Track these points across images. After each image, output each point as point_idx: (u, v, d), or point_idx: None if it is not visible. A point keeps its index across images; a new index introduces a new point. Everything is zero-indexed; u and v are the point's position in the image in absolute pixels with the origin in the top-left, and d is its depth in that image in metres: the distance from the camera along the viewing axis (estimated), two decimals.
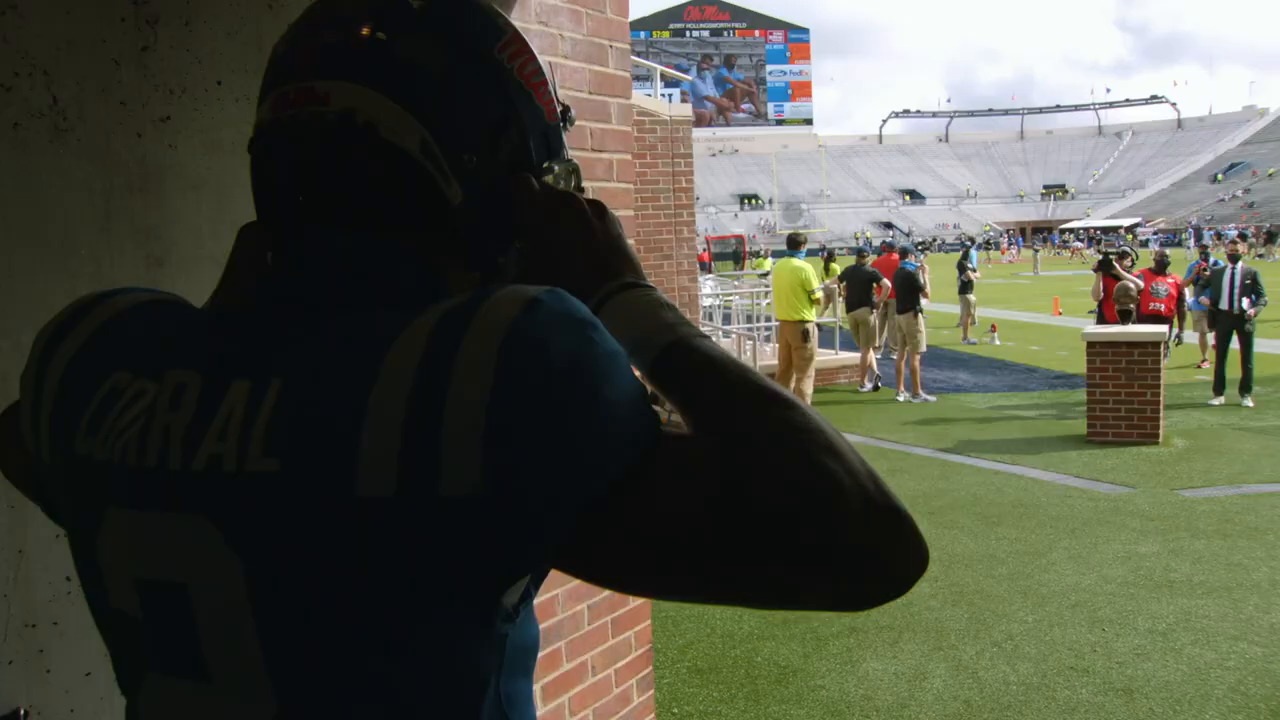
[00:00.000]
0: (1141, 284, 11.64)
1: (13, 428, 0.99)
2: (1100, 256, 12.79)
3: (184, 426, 0.78)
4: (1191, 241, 58.98)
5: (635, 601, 3.43)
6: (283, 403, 0.75)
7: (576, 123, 3.13)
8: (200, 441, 0.77)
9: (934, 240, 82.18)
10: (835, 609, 0.72)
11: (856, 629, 5.41)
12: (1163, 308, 12.02)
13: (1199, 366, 14.10)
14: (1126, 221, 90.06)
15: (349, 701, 0.75)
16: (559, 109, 0.96)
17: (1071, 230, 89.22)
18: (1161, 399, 9.93)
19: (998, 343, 18.64)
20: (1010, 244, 70.82)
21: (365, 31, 0.85)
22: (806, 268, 11.29)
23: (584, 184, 1.01)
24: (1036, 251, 53.59)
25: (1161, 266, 12.53)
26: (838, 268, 18.33)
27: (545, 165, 0.93)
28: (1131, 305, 10.79)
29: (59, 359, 0.88)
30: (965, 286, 19.37)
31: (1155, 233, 74.77)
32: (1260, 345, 12.58)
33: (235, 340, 0.81)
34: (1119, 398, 9.86)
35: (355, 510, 0.71)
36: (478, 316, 0.72)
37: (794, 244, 11.67)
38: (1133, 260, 12.94)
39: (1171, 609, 5.55)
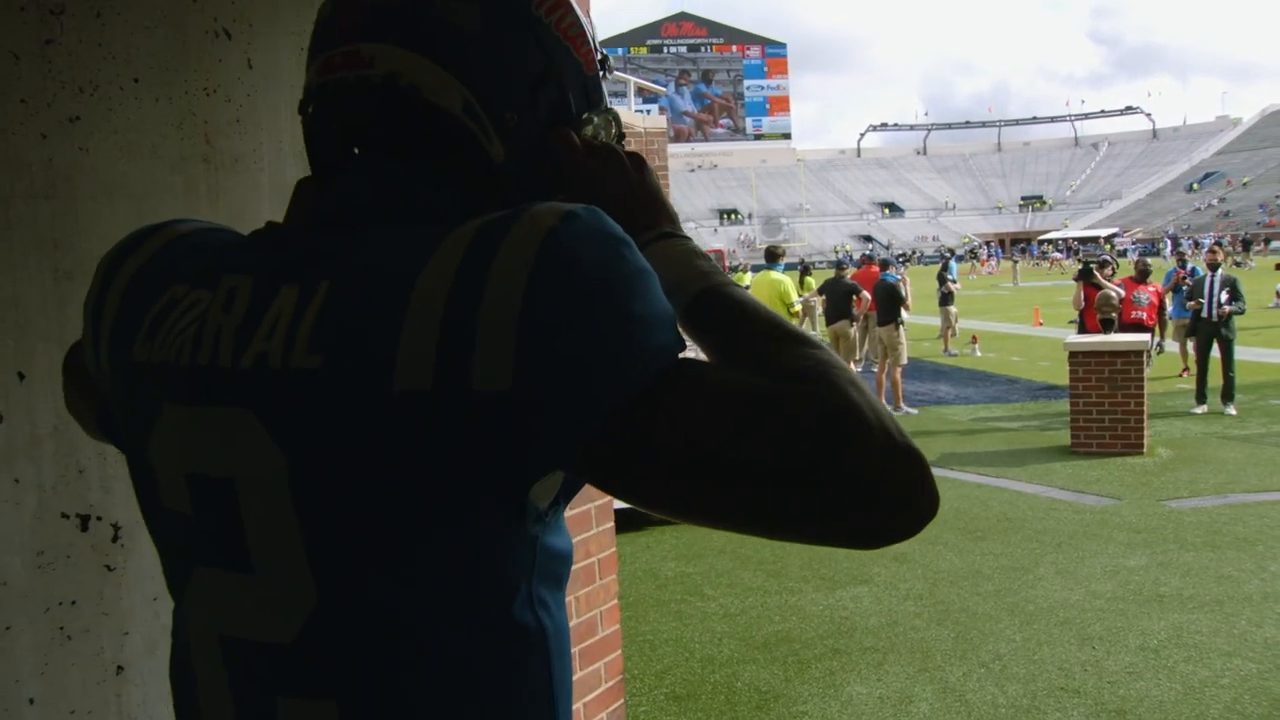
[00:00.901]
0: (1123, 293, 11.56)
1: (75, 361, 1.06)
2: (1081, 265, 12.70)
3: (235, 327, 0.81)
4: (1169, 250, 59.39)
5: (605, 631, 3.26)
6: (329, 304, 0.78)
7: None
8: (249, 340, 0.80)
9: (914, 253, 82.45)
10: (849, 544, 0.75)
11: (840, 650, 5.24)
12: (1145, 316, 11.93)
13: (1180, 376, 14.01)
14: (1104, 232, 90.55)
15: (385, 593, 0.78)
16: (598, 58, 0.98)
17: (1050, 241, 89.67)
18: (1145, 408, 9.83)
19: (979, 354, 18.56)
20: (989, 255, 70.96)
21: None
22: (786, 280, 11.16)
23: (623, 131, 1.03)
24: (1015, 262, 53.75)
25: (1143, 275, 12.46)
26: (813, 282, 18.25)
27: (585, 116, 0.96)
28: (1114, 314, 10.70)
29: (121, 276, 0.93)
30: (946, 298, 19.30)
31: (1134, 243, 75.19)
32: (1241, 353, 12.51)
33: (284, 250, 0.85)
34: (1102, 408, 9.76)
35: (392, 404, 0.74)
36: (516, 225, 0.75)
37: (772, 256, 11.56)
38: (1113, 269, 12.86)
39: (1162, 624, 5.41)
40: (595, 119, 0.98)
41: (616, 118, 1.01)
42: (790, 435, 0.71)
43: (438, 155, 0.89)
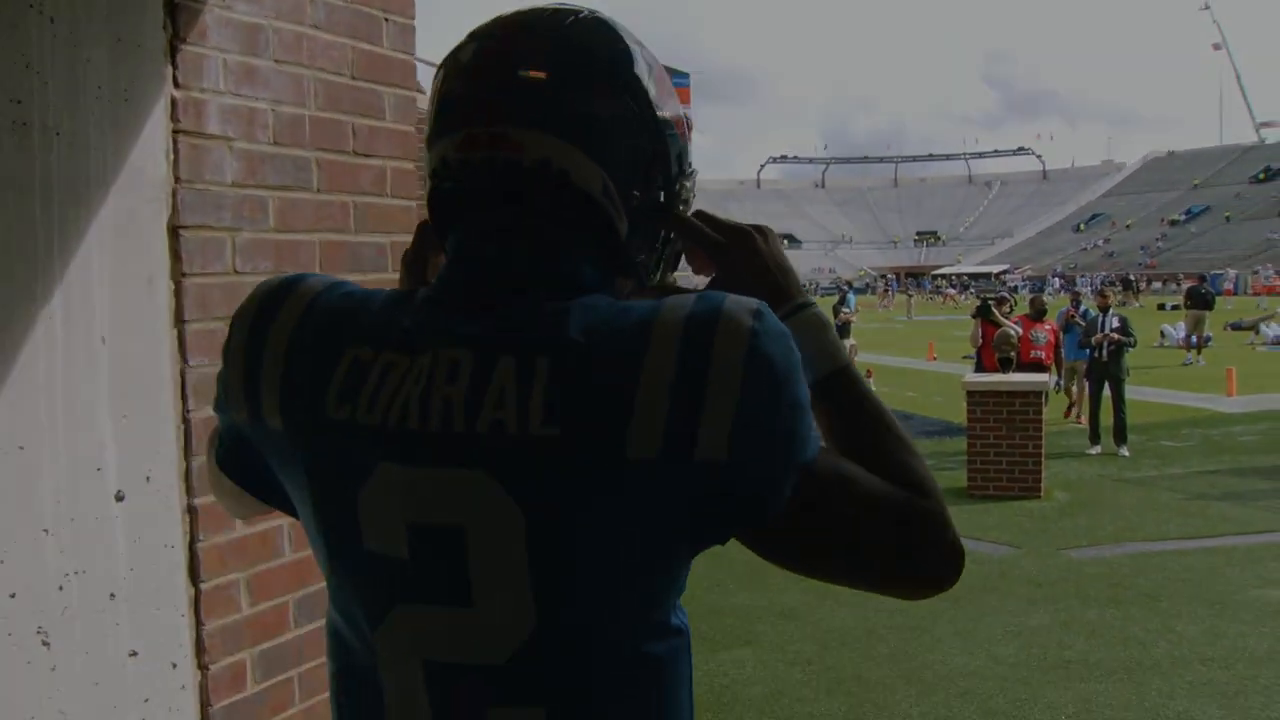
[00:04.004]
0: (1020, 331, 11.34)
1: (225, 445, 1.12)
2: (979, 302, 12.49)
3: (462, 396, 0.92)
4: (1056, 284, 60.98)
5: None
6: (554, 379, 0.90)
7: (335, 119, 2.31)
8: (478, 409, 0.91)
9: (812, 285, 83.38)
10: (905, 599, 1.04)
11: None
12: (1043, 355, 11.75)
13: (1065, 417, 13.80)
14: (996, 268, 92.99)
15: (594, 619, 0.94)
16: (686, 121, 1.08)
17: (944, 276, 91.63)
18: (1043, 451, 9.56)
19: (874, 389, 18.32)
20: (887, 289, 72.03)
21: (551, 79, 0.97)
22: None
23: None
24: (910, 296, 54.53)
25: (1039, 313, 12.30)
26: None
27: (679, 185, 1.08)
28: (1012, 353, 10.43)
29: (276, 334, 1.00)
30: (843, 329, 19.08)
31: (1023, 279, 77.20)
32: (1130, 392, 12.41)
33: (484, 322, 0.95)
34: (1000, 449, 9.45)
35: (624, 470, 0.89)
36: (721, 321, 0.91)
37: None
38: (1011, 306, 12.68)
39: (1069, 696, 4.97)
40: (689, 184, 1.10)
41: (694, 174, 1.11)
42: (907, 524, 0.96)
43: (578, 230, 0.99)
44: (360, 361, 0.96)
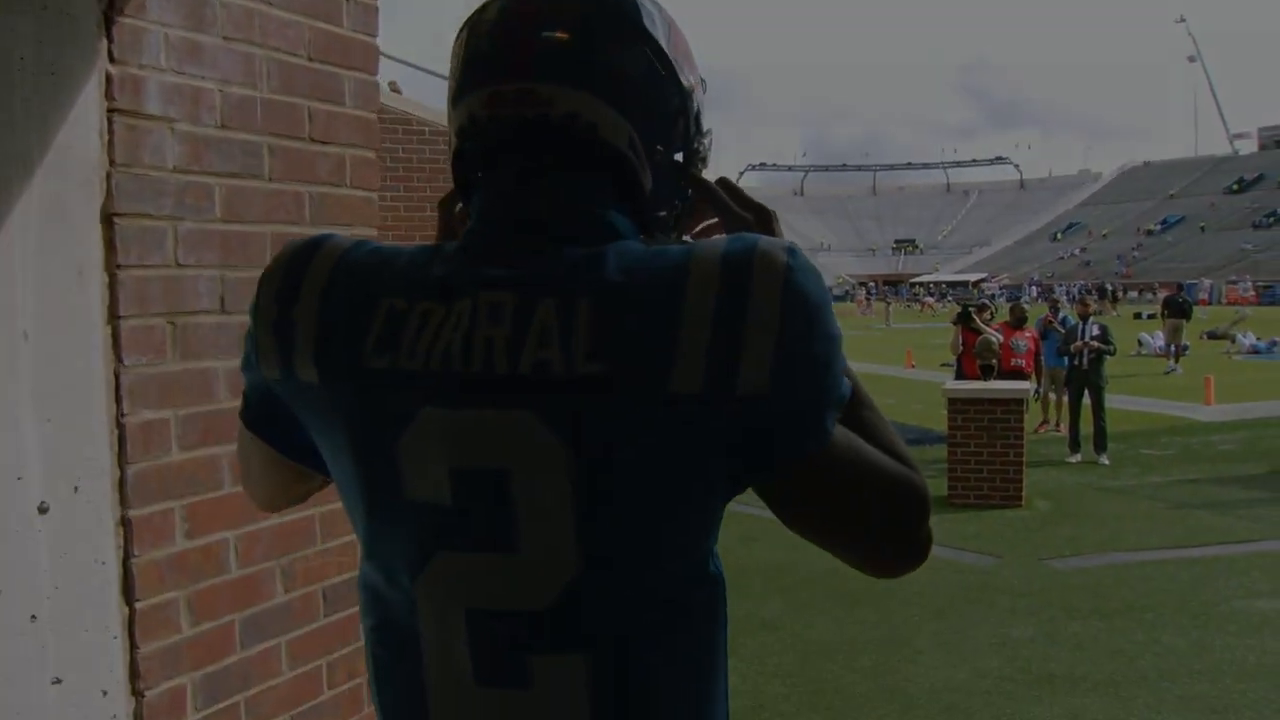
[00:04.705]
0: (1001, 338, 11.25)
1: (253, 418, 1.11)
2: (960, 309, 12.39)
3: (505, 337, 0.93)
4: (1034, 292, 61.19)
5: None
6: (596, 318, 0.92)
7: (290, 102, 2.15)
8: (520, 349, 0.92)
9: None
10: (884, 569, 1.05)
11: None
12: (1024, 363, 11.66)
13: (1037, 430, 13.57)
14: (973, 276, 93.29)
15: (636, 561, 0.95)
16: (702, 82, 1.11)
17: (922, 284, 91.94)
18: (1024, 459, 9.47)
19: None
20: (868, 296, 72.04)
21: (576, 35, 0.99)
22: None
23: None
24: (889, 304, 54.58)
25: (1020, 321, 12.21)
26: None
27: (697, 144, 1.10)
28: (994, 360, 10.32)
29: (307, 289, 1.01)
30: None
31: (1000, 288, 77.48)
32: (1109, 400, 12.35)
33: (521, 267, 0.96)
34: (981, 458, 9.34)
35: (668, 405, 0.91)
36: (757, 258, 0.93)
37: None
38: (992, 313, 12.58)
39: (1056, 711, 4.84)
40: (706, 141, 1.12)
41: (709, 133, 1.14)
42: (907, 499, 0.99)
43: (605, 182, 1.02)
44: (396, 310, 0.97)
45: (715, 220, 1.16)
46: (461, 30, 1.03)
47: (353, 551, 2.44)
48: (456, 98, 1.02)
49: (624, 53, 1.00)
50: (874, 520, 0.99)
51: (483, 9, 1.02)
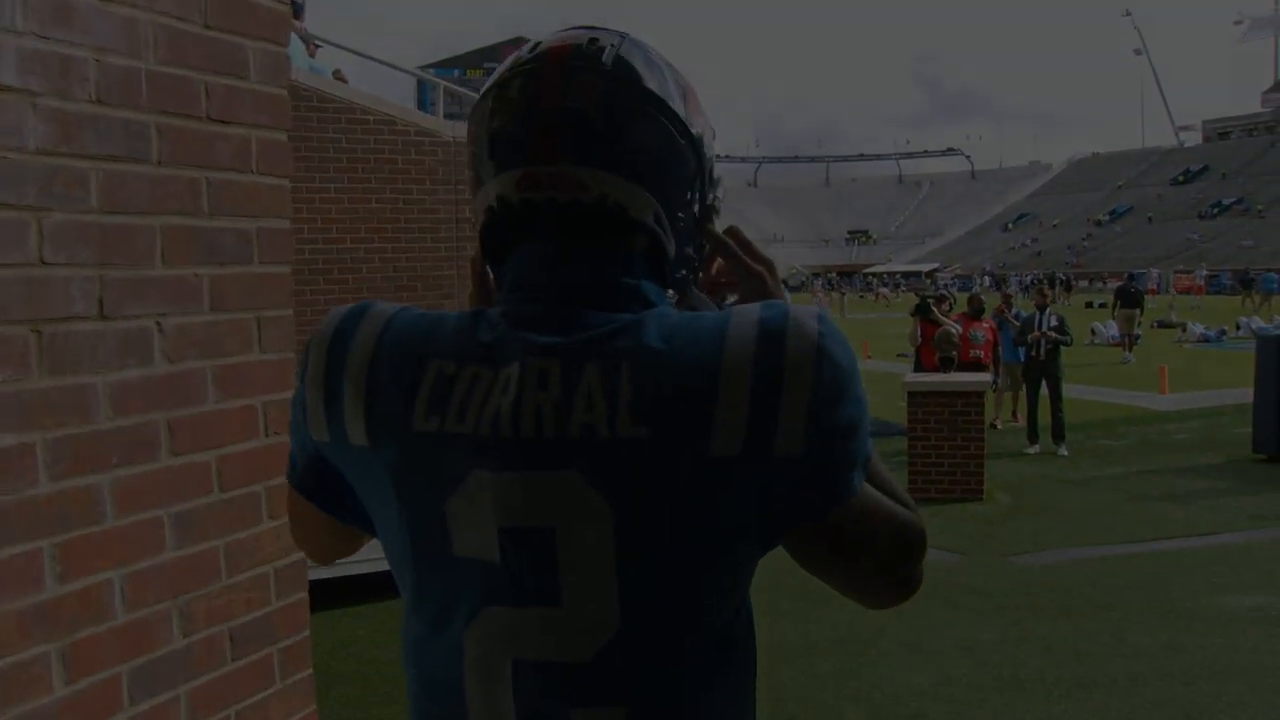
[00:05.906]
0: (960, 329, 11.12)
1: (303, 488, 1.15)
2: (918, 300, 12.25)
3: (553, 403, 0.97)
4: (987, 282, 61.62)
5: None
6: (639, 383, 0.96)
7: (182, 75, 1.86)
8: (570, 413, 0.96)
9: None
10: (880, 600, 1.10)
11: None
12: (982, 354, 11.55)
13: (993, 426, 13.36)
14: (926, 266, 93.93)
15: (675, 616, 0.99)
16: (711, 130, 1.13)
17: (875, 274, 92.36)
18: (985, 452, 9.34)
19: None
20: (824, 287, 72.19)
21: (601, 116, 1.01)
22: None
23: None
24: (843, 294, 54.68)
25: (978, 311, 12.11)
26: None
27: (712, 198, 1.13)
28: (954, 352, 10.19)
29: (356, 356, 1.05)
30: None
31: (953, 278, 77.99)
32: (1065, 390, 12.27)
33: (565, 334, 1.00)
34: (942, 451, 9.22)
35: (708, 467, 0.95)
36: (790, 325, 0.98)
37: None
38: (950, 304, 12.46)
39: (1028, 718, 4.66)
40: (720, 193, 1.15)
41: (720, 182, 1.17)
42: (913, 544, 1.05)
43: (633, 254, 1.06)
44: (444, 374, 1.01)
45: (721, 264, 1.20)
46: (484, 100, 1.05)
47: (264, 586, 2.16)
48: (483, 174, 1.05)
49: (649, 129, 1.03)
50: (884, 563, 1.04)
51: (503, 84, 1.04)
